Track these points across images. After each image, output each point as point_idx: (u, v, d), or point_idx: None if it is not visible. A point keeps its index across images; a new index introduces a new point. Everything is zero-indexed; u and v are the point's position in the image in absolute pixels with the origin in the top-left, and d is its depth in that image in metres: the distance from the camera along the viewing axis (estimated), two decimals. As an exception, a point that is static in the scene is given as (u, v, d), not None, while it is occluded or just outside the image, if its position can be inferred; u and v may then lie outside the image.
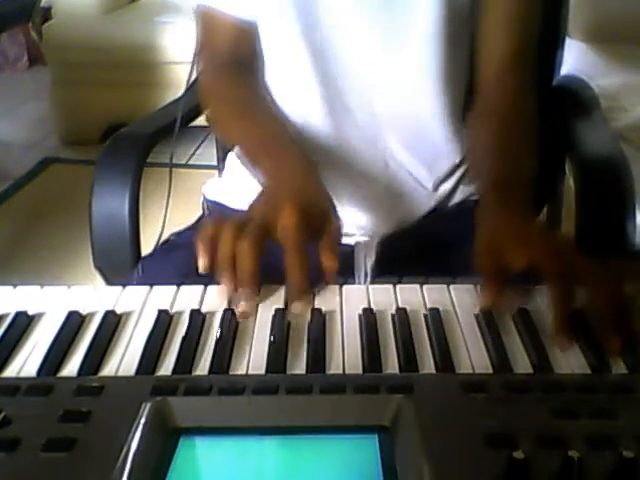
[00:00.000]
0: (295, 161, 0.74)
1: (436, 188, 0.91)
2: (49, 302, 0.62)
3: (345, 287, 0.63)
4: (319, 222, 0.63)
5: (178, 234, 0.95)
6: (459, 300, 0.61)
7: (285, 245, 0.59)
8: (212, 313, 0.60)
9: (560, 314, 0.56)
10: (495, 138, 0.80)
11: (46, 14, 3.03)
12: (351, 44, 0.85)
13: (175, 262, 0.87)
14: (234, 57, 0.89)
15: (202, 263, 0.60)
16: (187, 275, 0.82)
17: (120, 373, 0.53)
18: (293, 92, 0.90)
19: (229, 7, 0.88)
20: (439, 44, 0.84)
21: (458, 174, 0.92)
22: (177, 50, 2.66)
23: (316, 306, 0.60)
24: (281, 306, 0.60)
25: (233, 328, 0.58)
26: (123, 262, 0.89)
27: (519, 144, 0.79)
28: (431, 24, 0.83)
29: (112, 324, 0.58)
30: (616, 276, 0.58)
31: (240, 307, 0.59)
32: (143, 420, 0.45)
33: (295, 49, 0.86)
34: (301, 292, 0.59)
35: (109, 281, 0.89)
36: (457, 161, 0.92)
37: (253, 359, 0.54)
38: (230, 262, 0.58)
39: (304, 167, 0.72)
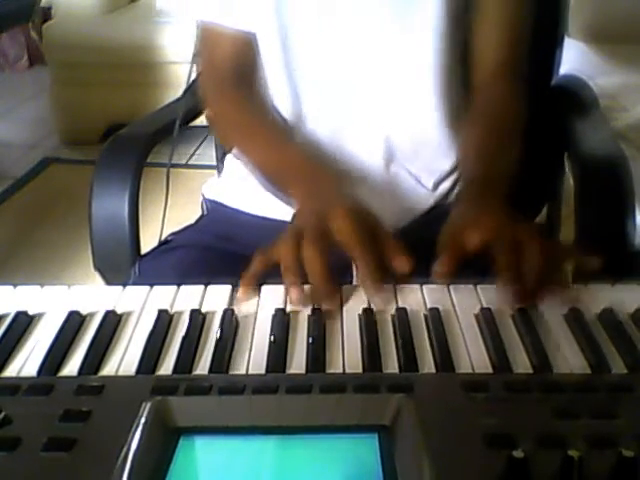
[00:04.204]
0: (329, 182, 0.74)
1: (436, 187, 0.91)
2: (49, 302, 0.62)
3: (345, 287, 0.63)
4: (369, 227, 0.64)
5: (176, 234, 0.95)
6: (459, 300, 0.61)
7: (348, 244, 0.61)
8: (212, 313, 0.60)
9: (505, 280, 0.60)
10: (478, 139, 0.84)
11: (46, 14, 3.03)
12: (354, 44, 0.86)
13: (172, 262, 0.87)
14: (236, 70, 0.91)
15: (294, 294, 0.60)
16: (183, 275, 0.83)
17: (120, 373, 0.53)
18: (292, 91, 0.90)
19: (229, 21, 0.89)
20: (441, 41, 0.86)
21: (457, 173, 0.93)
22: (177, 50, 2.66)
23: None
24: (281, 306, 0.60)
25: (233, 328, 0.58)
26: (123, 263, 0.89)
27: (500, 147, 0.82)
28: (435, 21, 0.85)
29: (112, 324, 0.58)
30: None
31: (325, 307, 0.60)
32: (143, 420, 0.45)
33: (296, 50, 0.87)
34: (378, 285, 0.60)
35: (109, 282, 0.89)
36: (457, 160, 0.92)
37: (253, 359, 0.54)
38: (295, 271, 0.59)
39: (339, 186, 0.73)
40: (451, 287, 0.63)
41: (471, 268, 0.63)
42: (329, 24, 0.86)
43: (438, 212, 0.91)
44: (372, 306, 0.60)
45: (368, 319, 0.58)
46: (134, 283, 0.85)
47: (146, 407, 0.46)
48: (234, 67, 0.91)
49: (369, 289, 0.61)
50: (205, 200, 1.02)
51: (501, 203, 0.70)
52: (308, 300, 0.60)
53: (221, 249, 0.89)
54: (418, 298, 0.62)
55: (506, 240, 0.62)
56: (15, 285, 0.64)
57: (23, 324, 0.59)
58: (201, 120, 1.10)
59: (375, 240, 0.63)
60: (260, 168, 0.86)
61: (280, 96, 0.92)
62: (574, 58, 1.85)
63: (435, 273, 0.62)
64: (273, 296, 0.62)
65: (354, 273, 0.71)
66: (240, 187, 0.97)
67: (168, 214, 1.02)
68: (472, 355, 0.54)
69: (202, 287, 0.64)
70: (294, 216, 0.70)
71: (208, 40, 0.92)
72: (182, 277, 0.82)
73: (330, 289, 0.60)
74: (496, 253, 0.61)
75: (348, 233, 0.61)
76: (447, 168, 0.92)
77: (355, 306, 0.61)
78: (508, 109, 0.86)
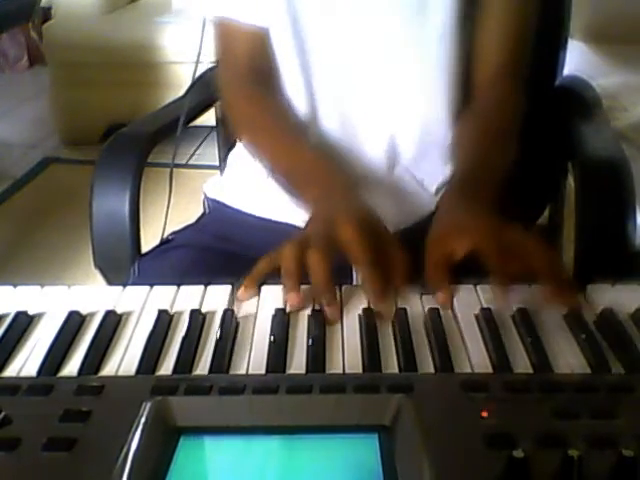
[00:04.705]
0: (341, 189, 0.75)
1: (438, 192, 0.91)
2: (49, 302, 0.62)
3: (345, 287, 0.63)
4: (376, 237, 0.64)
5: (177, 233, 0.95)
6: (459, 300, 0.61)
7: (353, 254, 0.61)
8: (212, 313, 0.60)
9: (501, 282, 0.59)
10: (471, 140, 0.83)
11: (46, 14, 3.03)
12: (362, 47, 0.86)
13: (171, 261, 0.87)
14: (253, 66, 0.90)
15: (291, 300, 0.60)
16: (183, 274, 0.83)
17: (120, 373, 0.53)
18: (306, 84, 0.90)
19: (245, 16, 0.88)
20: (448, 46, 0.86)
21: None
22: (177, 50, 2.66)
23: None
24: (281, 306, 0.60)
25: (233, 328, 0.58)
26: (123, 262, 0.89)
27: (493, 148, 0.81)
28: (442, 26, 0.85)
29: (112, 324, 0.58)
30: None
31: (327, 313, 0.59)
32: (143, 420, 0.45)
33: (304, 50, 0.87)
34: (381, 296, 0.60)
35: (109, 281, 0.89)
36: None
37: (253, 359, 0.54)
38: (295, 276, 0.60)
39: (350, 193, 0.74)
40: (451, 287, 0.63)
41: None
42: (340, 14, 0.85)
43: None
44: (372, 306, 0.60)
45: (368, 319, 0.58)
46: (133, 283, 0.85)
47: (146, 407, 0.46)
48: (251, 63, 0.90)
49: (372, 299, 0.61)
50: (207, 199, 1.02)
51: (488, 206, 0.70)
52: (307, 303, 0.60)
53: (221, 249, 0.89)
54: (418, 298, 0.62)
55: (493, 243, 0.61)
56: (15, 285, 0.64)
57: (23, 324, 0.59)
58: (201, 120, 1.10)
59: (380, 248, 0.63)
60: (275, 170, 0.86)
61: (294, 90, 0.91)
62: (574, 59, 1.85)
63: (438, 299, 0.62)
64: (273, 296, 0.62)
65: (354, 275, 0.71)
66: (242, 187, 0.97)
67: (169, 214, 1.02)
68: (472, 355, 0.54)
69: (202, 287, 0.64)
70: (307, 221, 0.70)
71: (225, 37, 0.92)
72: (182, 277, 0.82)
73: (332, 296, 0.60)
74: (485, 257, 0.60)
75: (354, 243, 0.61)
76: (450, 172, 0.92)
77: (355, 306, 0.61)
78: (505, 110, 0.86)
